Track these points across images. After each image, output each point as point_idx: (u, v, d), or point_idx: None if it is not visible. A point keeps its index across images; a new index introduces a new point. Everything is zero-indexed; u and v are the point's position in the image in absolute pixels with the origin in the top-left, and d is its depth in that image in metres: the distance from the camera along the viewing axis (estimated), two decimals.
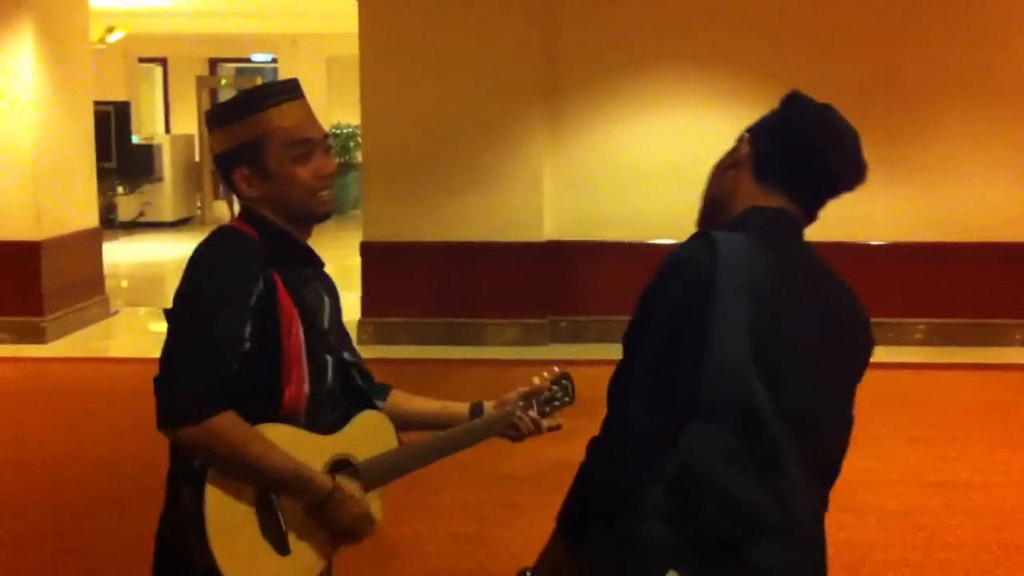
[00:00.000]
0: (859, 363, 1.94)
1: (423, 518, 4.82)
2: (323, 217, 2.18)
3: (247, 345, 1.99)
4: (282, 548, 2.02)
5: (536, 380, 2.48)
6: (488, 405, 2.44)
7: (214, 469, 1.94)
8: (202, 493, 1.93)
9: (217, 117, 2.16)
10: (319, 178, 2.13)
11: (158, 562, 2.14)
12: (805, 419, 1.77)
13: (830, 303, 1.89)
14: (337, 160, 2.27)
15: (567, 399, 2.51)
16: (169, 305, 2.05)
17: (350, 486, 2.09)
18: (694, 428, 1.67)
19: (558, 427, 2.46)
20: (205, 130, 12.69)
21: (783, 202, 1.90)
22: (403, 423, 2.32)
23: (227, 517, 1.95)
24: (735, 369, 1.68)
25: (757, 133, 1.94)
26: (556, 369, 2.53)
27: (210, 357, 1.96)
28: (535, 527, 4.81)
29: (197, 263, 2.06)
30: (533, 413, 2.41)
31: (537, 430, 2.42)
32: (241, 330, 1.99)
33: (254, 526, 1.99)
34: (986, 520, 4.79)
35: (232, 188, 2.15)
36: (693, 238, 1.82)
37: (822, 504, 1.87)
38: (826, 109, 1.93)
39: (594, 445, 1.80)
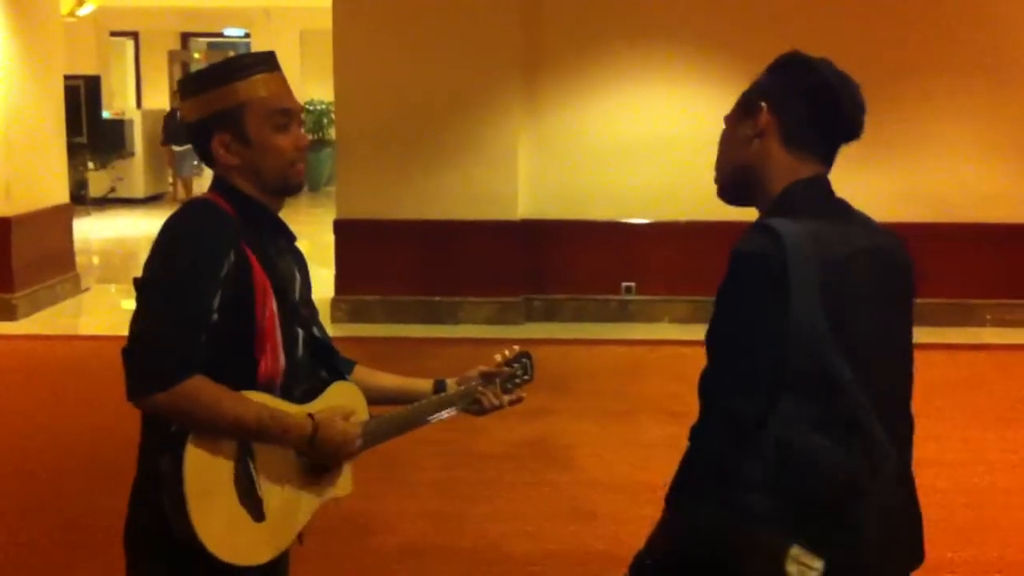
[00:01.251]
0: (911, 305, 2.06)
1: (398, 495, 4.83)
2: (296, 188, 2.19)
3: (215, 316, 1.99)
4: (258, 515, 2.03)
5: (497, 358, 2.53)
6: (450, 382, 2.49)
7: (193, 434, 1.95)
8: (180, 461, 1.93)
9: (195, 83, 2.15)
10: (297, 149, 2.15)
11: (130, 536, 2.14)
12: (883, 382, 1.89)
13: (883, 256, 1.99)
14: (309, 136, 2.28)
15: (526, 377, 2.56)
16: (134, 277, 2.05)
17: (326, 413, 2.12)
18: (784, 404, 1.78)
19: (519, 400, 2.53)
20: (179, 103, 12.52)
21: (816, 166, 1.99)
22: (367, 398, 2.33)
23: (205, 483, 1.96)
24: (815, 348, 1.79)
25: (777, 99, 1.96)
26: (516, 348, 2.58)
27: (178, 326, 1.96)
28: (509, 504, 4.88)
29: (168, 233, 2.06)
30: (495, 388, 2.47)
31: (499, 405, 2.48)
32: (210, 301, 1.99)
33: (231, 494, 2.00)
34: (955, 499, 4.84)
35: (206, 156, 2.14)
36: (757, 231, 1.87)
37: (908, 462, 1.99)
38: (829, 62, 2.00)
39: (697, 431, 1.90)
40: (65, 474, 5.16)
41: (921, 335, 6.77)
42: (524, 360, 2.56)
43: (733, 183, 2.05)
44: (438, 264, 8.42)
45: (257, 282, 2.06)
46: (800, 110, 1.95)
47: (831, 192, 2.01)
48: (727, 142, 2.04)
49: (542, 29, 8.32)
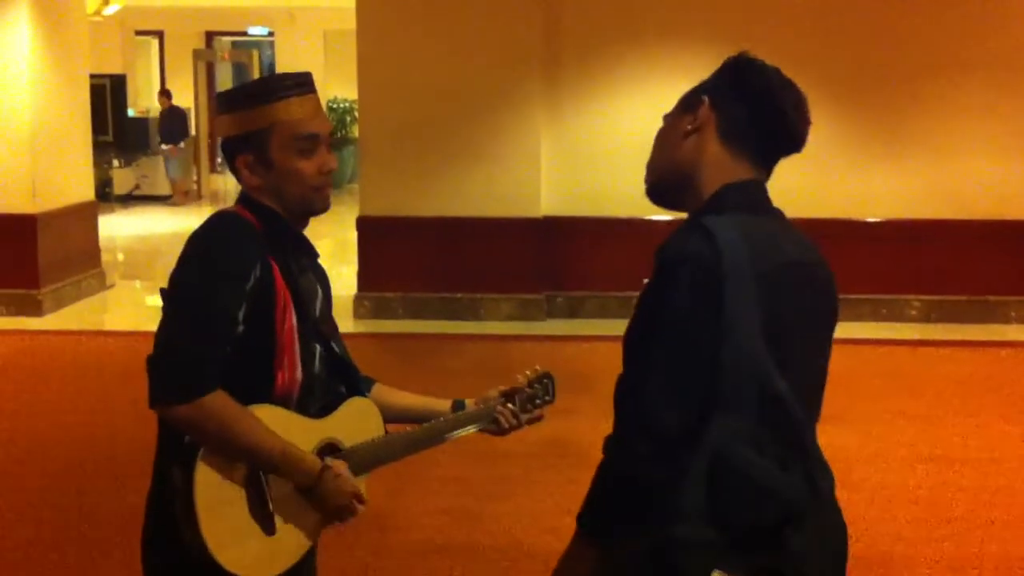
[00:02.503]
0: (833, 325, 1.95)
1: (419, 493, 4.84)
2: (320, 212, 2.20)
3: (240, 328, 2.00)
4: (269, 528, 2.03)
5: (520, 378, 2.49)
6: (469, 402, 2.45)
7: (205, 448, 1.96)
8: (192, 471, 1.94)
9: (227, 102, 2.17)
10: (321, 174, 2.14)
11: (146, 539, 2.15)
12: (812, 394, 1.81)
13: (811, 268, 1.89)
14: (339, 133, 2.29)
15: (548, 398, 2.53)
16: (164, 280, 2.06)
17: (338, 466, 2.09)
18: (718, 420, 1.68)
19: (539, 418, 2.49)
20: (201, 104, 12.64)
21: (752, 168, 1.89)
22: (385, 416, 2.32)
23: (216, 495, 1.96)
24: (751, 356, 1.69)
25: (718, 97, 1.89)
26: (538, 368, 2.54)
27: (204, 338, 1.97)
28: (529, 502, 4.88)
29: (195, 244, 2.07)
30: (514, 408, 2.44)
31: (519, 425, 2.44)
32: (236, 312, 1.99)
33: (242, 505, 2.00)
34: (979, 496, 4.81)
35: (235, 173, 2.17)
36: (687, 230, 1.79)
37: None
38: (777, 69, 1.92)
39: (612, 444, 1.78)
40: (87, 470, 5.19)
41: (945, 332, 6.77)
42: (546, 381, 2.53)
43: (664, 182, 1.96)
44: (460, 261, 8.42)
45: (279, 296, 2.07)
46: (741, 109, 1.87)
47: (766, 198, 1.90)
48: (663, 138, 1.96)
49: (563, 28, 8.31)
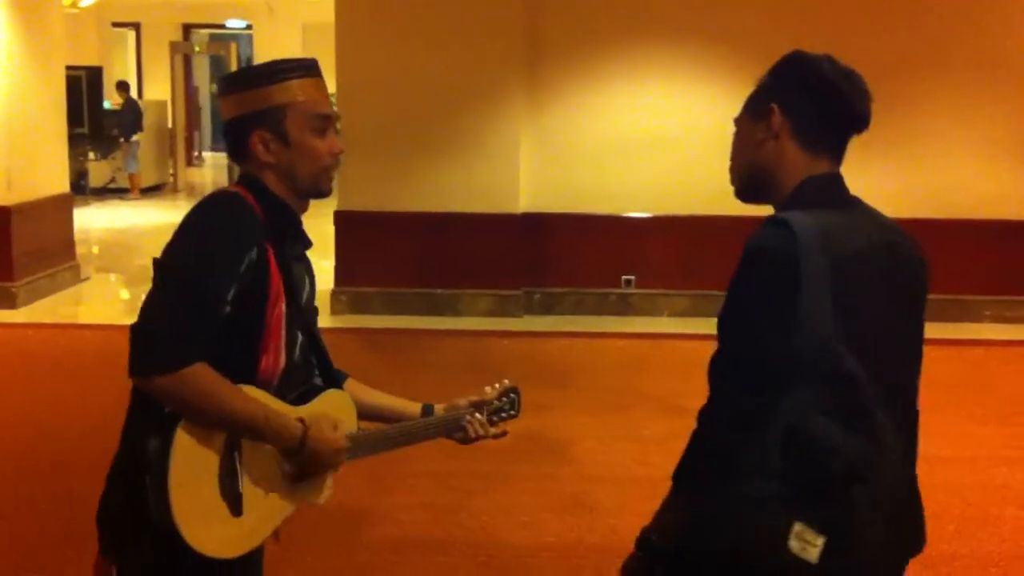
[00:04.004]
0: (923, 302, 2.09)
1: (395, 488, 4.84)
2: (326, 194, 2.25)
3: (228, 309, 2.00)
4: (236, 509, 2.04)
5: (488, 390, 2.55)
6: (438, 408, 2.51)
7: (186, 420, 1.96)
8: (169, 445, 1.94)
9: (239, 81, 2.20)
10: (331, 154, 2.20)
11: (104, 516, 2.15)
12: (890, 376, 1.94)
13: (894, 252, 2.01)
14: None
15: (513, 411, 2.59)
16: (140, 274, 2.06)
17: (317, 424, 2.11)
18: (793, 394, 1.83)
19: (503, 434, 2.56)
20: (178, 96, 12.53)
21: (828, 161, 2.03)
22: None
23: (189, 471, 1.97)
24: (823, 339, 1.83)
25: (787, 101, 2.01)
26: (506, 382, 2.60)
27: (191, 312, 1.97)
28: (505, 497, 4.89)
29: (193, 219, 2.07)
30: (482, 418, 2.50)
31: (485, 435, 2.51)
32: (226, 292, 2.00)
33: (213, 484, 2.01)
34: (953, 493, 4.84)
35: (241, 153, 2.16)
36: (771, 225, 1.91)
37: (913, 455, 2.05)
38: (830, 57, 2.04)
39: (703, 414, 1.96)
40: (62, 464, 5.16)
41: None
42: (512, 395, 2.59)
43: (751, 184, 2.08)
44: (438, 256, 8.42)
45: (273, 281, 2.08)
46: (810, 109, 2.00)
47: (844, 188, 2.05)
48: (741, 145, 2.08)
49: (544, 23, 8.31)
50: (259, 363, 2.09)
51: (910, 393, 2.05)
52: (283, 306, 2.11)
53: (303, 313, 2.22)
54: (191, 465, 1.97)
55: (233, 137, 2.18)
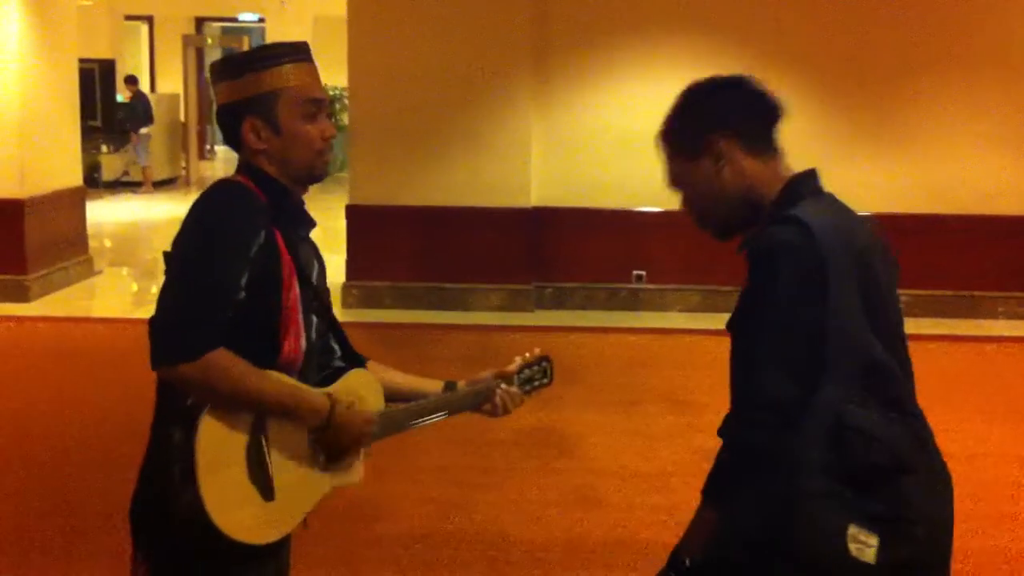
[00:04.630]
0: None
1: (405, 482, 4.84)
2: (320, 178, 2.24)
3: (242, 294, 2.01)
4: (267, 494, 2.04)
5: (518, 359, 2.52)
6: (461, 384, 2.46)
7: (211, 407, 1.97)
8: (195, 433, 1.95)
9: (229, 67, 2.18)
10: (324, 139, 2.18)
11: (137, 509, 2.15)
12: (902, 353, 1.97)
13: (881, 246, 2.04)
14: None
15: (546, 380, 2.56)
16: (153, 267, 2.06)
17: (347, 399, 2.14)
18: (828, 387, 1.83)
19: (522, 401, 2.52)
20: (190, 90, 12.56)
21: (779, 159, 2.06)
22: None
23: (217, 458, 1.97)
24: (855, 330, 1.85)
25: (717, 124, 2.03)
26: (537, 350, 2.57)
27: (207, 299, 1.99)
28: (514, 491, 4.89)
29: (198, 211, 2.09)
30: (511, 388, 2.46)
31: (516, 404, 2.48)
32: (238, 278, 2.01)
33: (242, 470, 2.01)
34: (964, 490, 4.80)
35: (234, 140, 2.16)
36: (783, 223, 1.91)
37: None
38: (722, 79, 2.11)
39: (731, 420, 1.94)
40: (72, 456, 5.18)
41: (930, 327, 6.75)
42: (544, 364, 2.55)
43: (732, 221, 2.09)
44: (449, 251, 8.42)
45: (284, 264, 2.09)
46: (743, 119, 2.04)
47: (820, 182, 2.07)
48: (698, 190, 2.09)
49: (554, 16, 8.31)
50: (281, 347, 2.10)
51: (912, 385, 2.06)
52: (297, 287, 2.12)
53: (317, 295, 2.23)
54: (218, 453, 1.98)
55: (226, 124, 2.18)
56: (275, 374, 2.06)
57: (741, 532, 1.92)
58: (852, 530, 1.80)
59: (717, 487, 1.98)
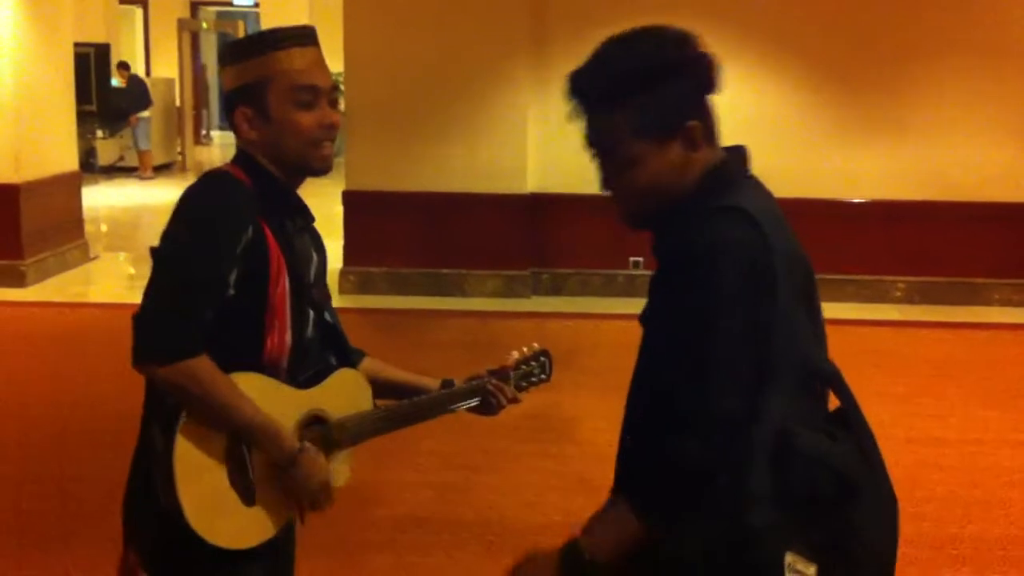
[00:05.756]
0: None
1: (404, 466, 4.85)
2: (319, 171, 2.14)
3: (230, 291, 1.97)
4: (248, 499, 2.00)
5: (514, 354, 2.46)
6: (457, 382, 2.40)
7: (187, 411, 1.93)
8: (173, 434, 1.91)
9: (229, 54, 2.13)
10: (321, 128, 2.08)
11: (128, 502, 2.13)
12: (830, 362, 1.80)
13: (797, 241, 1.85)
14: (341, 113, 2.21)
15: (544, 376, 2.50)
16: (150, 247, 2.04)
17: (314, 453, 2.05)
18: (775, 398, 1.67)
19: (518, 400, 2.46)
20: (185, 74, 12.53)
21: (719, 148, 1.84)
22: (373, 390, 2.28)
23: (196, 461, 1.94)
24: (798, 333, 1.69)
25: (695, 109, 1.81)
26: (536, 345, 2.51)
27: (192, 298, 1.94)
28: (512, 477, 4.90)
29: (186, 204, 2.03)
30: (507, 386, 2.41)
31: (514, 401, 2.43)
32: (226, 275, 1.96)
33: (222, 473, 1.97)
34: (960, 476, 4.84)
35: (234, 128, 2.12)
36: (724, 214, 1.72)
37: None
38: (679, 36, 1.85)
39: (678, 436, 1.73)
40: (69, 442, 5.18)
41: (928, 313, 6.77)
42: (543, 359, 2.49)
43: (657, 206, 1.85)
44: (446, 236, 8.41)
45: (272, 259, 2.03)
46: (707, 105, 1.83)
47: (748, 167, 1.87)
48: (650, 173, 1.81)
49: (552, 3, 8.28)
50: (265, 343, 2.04)
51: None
52: (286, 283, 2.06)
53: (310, 289, 2.16)
54: (197, 455, 1.94)
55: (227, 112, 2.13)
56: (255, 382, 1.99)
57: (687, 558, 1.74)
58: (789, 559, 1.67)
59: (655, 502, 1.79)
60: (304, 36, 2.11)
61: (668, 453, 1.75)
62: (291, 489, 2.04)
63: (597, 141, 1.88)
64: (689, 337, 1.72)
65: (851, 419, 1.74)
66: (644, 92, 1.78)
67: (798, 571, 1.68)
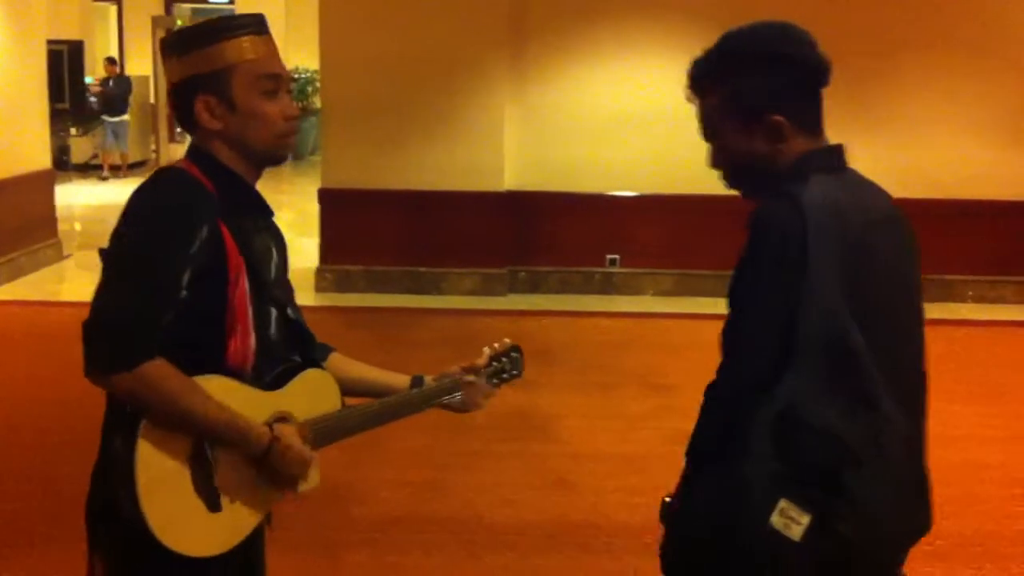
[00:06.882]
0: (919, 276, 2.09)
1: (381, 465, 4.84)
2: (281, 160, 2.10)
3: (184, 293, 1.89)
4: (213, 505, 1.95)
5: (486, 351, 2.43)
6: (428, 379, 2.36)
7: (147, 418, 1.87)
8: (134, 443, 1.85)
9: (180, 42, 2.03)
10: (285, 118, 2.05)
11: (90, 511, 2.08)
12: (899, 351, 1.93)
13: (897, 225, 2.00)
14: (298, 104, 2.18)
15: (515, 372, 2.48)
16: (99, 248, 1.98)
17: (288, 435, 2.02)
18: (794, 371, 1.79)
19: (492, 395, 2.44)
20: (160, 72, 12.43)
21: (822, 134, 2.00)
22: (341, 387, 2.24)
23: (158, 469, 1.88)
24: (829, 312, 1.79)
25: (782, 102, 1.95)
26: (507, 341, 2.48)
27: (143, 304, 1.87)
28: (490, 475, 4.90)
29: (137, 204, 1.95)
30: (478, 381, 2.38)
31: (484, 398, 2.40)
32: (179, 277, 1.89)
33: (186, 481, 1.92)
34: (935, 472, 4.85)
35: (186, 120, 2.03)
36: (777, 198, 1.87)
37: (922, 431, 2.02)
38: (765, 27, 2.04)
39: (710, 387, 1.93)
40: (46, 441, 5.14)
41: None
42: (514, 354, 2.47)
43: (745, 182, 2.03)
44: (423, 234, 8.40)
45: (231, 259, 1.96)
46: (804, 101, 1.99)
47: (845, 160, 2.02)
48: (738, 156, 1.99)
49: (529, 1, 8.27)
50: (228, 347, 1.98)
51: (919, 371, 2.03)
52: (246, 284, 1.99)
53: (271, 288, 2.10)
54: (158, 462, 1.88)
55: (178, 103, 2.03)
56: (220, 384, 1.94)
57: (693, 503, 1.92)
58: (782, 504, 1.77)
59: (692, 449, 1.97)
60: (259, 24, 2.06)
61: (703, 405, 1.93)
62: (274, 476, 2.01)
63: (699, 118, 2.06)
64: (731, 298, 1.91)
65: (879, 402, 1.83)
66: (734, 78, 1.96)
67: (791, 517, 1.77)
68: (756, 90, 1.95)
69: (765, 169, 1.96)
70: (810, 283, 1.79)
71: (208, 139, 2.04)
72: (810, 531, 1.77)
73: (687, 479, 1.99)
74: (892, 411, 1.85)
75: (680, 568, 1.99)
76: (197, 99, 2.01)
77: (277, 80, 2.04)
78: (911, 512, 1.97)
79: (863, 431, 1.80)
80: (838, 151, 2.01)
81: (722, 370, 1.90)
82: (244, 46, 2.01)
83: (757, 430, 1.79)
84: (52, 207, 9.49)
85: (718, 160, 2.04)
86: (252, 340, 2.03)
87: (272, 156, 2.08)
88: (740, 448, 1.81)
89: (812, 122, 1.99)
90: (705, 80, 2.01)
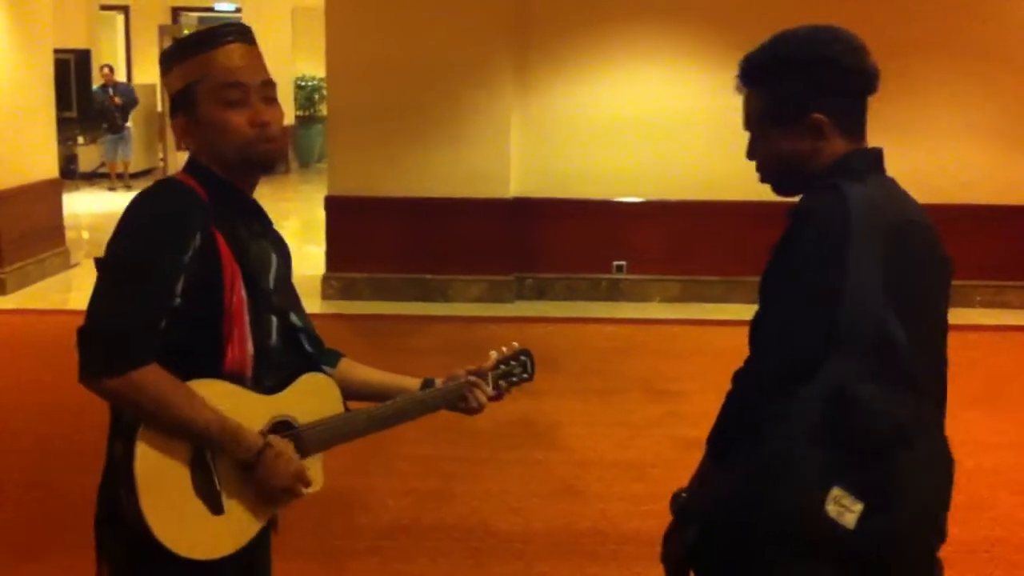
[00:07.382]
0: (950, 277, 2.11)
1: (386, 473, 4.83)
2: (262, 165, 2.06)
3: (177, 300, 1.91)
4: (216, 507, 1.95)
5: (493, 354, 2.42)
6: (438, 381, 2.35)
7: (144, 423, 1.89)
8: (132, 447, 1.87)
9: (164, 62, 2.08)
10: (254, 125, 2.01)
11: (98, 517, 2.08)
12: (930, 350, 1.95)
13: (931, 232, 2.04)
14: (283, 109, 2.12)
15: (525, 375, 2.46)
16: (95, 257, 2.00)
17: (280, 445, 2.01)
18: (838, 358, 1.80)
19: (499, 397, 2.42)
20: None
21: (863, 138, 2.06)
22: (351, 392, 2.24)
23: (158, 473, 1.89)
24: (871, 304, 1.82)
25: (825, 104, 2.00)
26: (516, 344, 2.47)
27: (136, 310, 1.89)
28: (495, 482, 4.89)
29: (132, 213, 1.97)
30: (487, 386, 2.37)
31: (493, 399, 2.39)
32: (172, 285, 1.91)
33: (187, 483, 1.93)
34: None
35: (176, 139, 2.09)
36: (823, 190, 1.91)
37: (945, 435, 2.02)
38: (836, 35, 2.09)
39: (740, 375, 1.95)
40: (50, 449, 5.15)
41: None
42: (523, 358, 2.45)
43: (785, 179, 2.06)
44: (429, 242, 8.40)
45: (225, 266, 1.97)
46: (847, 103, 2.04)
47: (883, 165, 2.08)
48: (781, 153, 2.03)
49: (535, 6, 8.29)
50: (225, 355, 1.98)
51: (944, 374, 2.06)
52: (242, 291, 2.00)
53: (270, 295, 2.10)
54: (159, 466, 1.89)
55: (172, 126, 2.09)
56: (217, 388, 1.95)
57: (737, 488, 1.89)
58: (835, 492, 1.77)
59: (719, 437, 1.97)
60: (233, 34, 2.04)
61: (729, 393, 1.95)
62: (262, 486, 2.00)
63: (744, 109, 2.11)
64: (767, 290, 1.93)
65: (915, 384, 1.87)
66: (781, 78, 2.02)
67: (844, 505, 1.77)
68: (802, 90, 2.00)
69: (804, 166, 2.01)
70: (852, 275, 1.81)
71: (198, 153, 2.07)
72: (863, 519, 1.78)
73: (707, 468, 2.00)
74: (932, 398, 1.90)
75: (698, 554, 1.98)
76: (175, 121, 2.06)
77: (241, 88, 2.01)
78: (943, 513, 2.00)
79: (911, 413, 1.84)
80: (878, 154, 2.06)
81: (754, 359, 1.91)
82: (210, 59, 2.01)
83: (802, 411, 1.79)
84: (59, 216, 9.51)
85: (757, 153, 2.08)
86: (250, 347, 2.03)
87: (249, 164, 2.05)
88: (781, 431, 1.80)
89: (854, 126, 2.04)
90: (755, 73, 2.07)
